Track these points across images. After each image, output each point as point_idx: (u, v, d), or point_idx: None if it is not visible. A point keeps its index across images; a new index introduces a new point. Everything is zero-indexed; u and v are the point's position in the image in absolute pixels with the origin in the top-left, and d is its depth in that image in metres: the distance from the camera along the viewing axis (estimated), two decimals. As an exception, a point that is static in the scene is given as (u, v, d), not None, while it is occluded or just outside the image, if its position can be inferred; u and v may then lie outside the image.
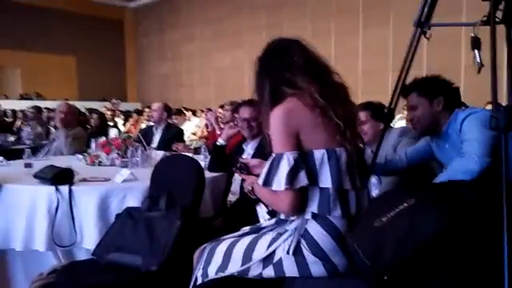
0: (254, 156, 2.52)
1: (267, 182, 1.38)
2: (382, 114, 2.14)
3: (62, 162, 2.76)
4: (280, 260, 1.43)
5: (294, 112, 1.38)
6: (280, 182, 1.34)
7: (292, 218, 1.46)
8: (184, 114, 6.52)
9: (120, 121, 8.16)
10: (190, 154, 3.12)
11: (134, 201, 2.22)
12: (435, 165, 2.16)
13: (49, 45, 13.76)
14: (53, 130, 4.37)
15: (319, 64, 1.47)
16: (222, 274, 1.52)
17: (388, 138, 2.36)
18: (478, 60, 1.42)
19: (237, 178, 2.54)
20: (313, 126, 1.38)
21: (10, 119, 8.45)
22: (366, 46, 9.47)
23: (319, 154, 1.38)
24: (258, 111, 2.60)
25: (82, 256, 2.20)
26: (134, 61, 16.37)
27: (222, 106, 4.77)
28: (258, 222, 1.83)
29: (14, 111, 9.02)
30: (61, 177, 2.24)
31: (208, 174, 2.62)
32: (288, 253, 1.40)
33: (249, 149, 2.60)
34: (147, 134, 4.07)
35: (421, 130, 2.01)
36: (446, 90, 1.90)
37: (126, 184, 2.32)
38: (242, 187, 2.47)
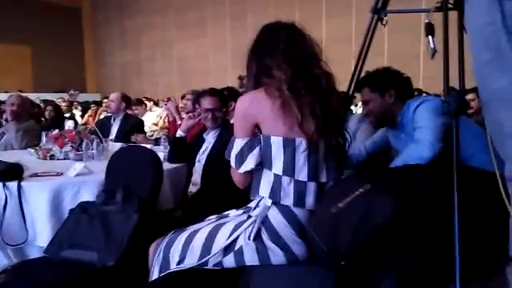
0: (215, 145, 2.48)
1: (228, 156, 1.50)
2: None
3: (12, 156, 2.63)
4: (241, 248, 1.41)
5: (255, 103, 1.41)
6: (232, 161, 1.46)
7: (255, 205, 1.46)
8: (145, 104, 6.34)
9: (78, 112, 7.86)
10: (150, 146, 3.04)
11: (88, 195, 2.13)
12: (394, 152, 2.20)
13: (0, 34, 13.05)
14: (4, 123, 4.16)
15: (302, 52, 1.43)
16: (181, 266, 1.48)
17: (348, 125, 2.38)
18: (432, 46, 1.43)
19: (197, 168, 2.50)
20: (272, 117, 1.38)
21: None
22: (329, 35, 9.55)
23: (276, 141, 1.39)
24: (220, 100, 2.56)
25: (34, 254, 2.09)
26: (93, 50, 15.81)
27: (183, 96, 4.67)
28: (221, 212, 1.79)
29: (-37, 104, 8.51)
30: (8, 173, 2.11)
31: (168, 166, 2.56)
32: (249, 239, 1.39)
33: (209, 138, 2.55)
34: (104, 125, 3.92)
35: (375, 123, 2.06)
36: (396, 81, 1.93)
37: (80, 178, 2.22)
38: (203, 177, 2.43)
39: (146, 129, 5.22)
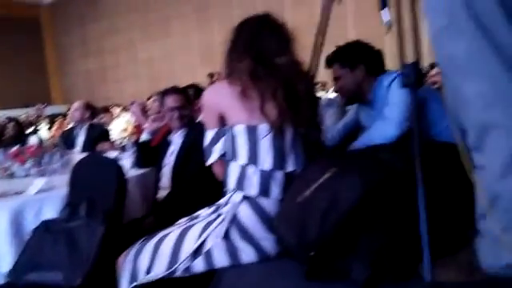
0: (182, 146, 2.41)
1: None
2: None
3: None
4: (210, 249, 1.37)
5: (217, 93, 1.47)
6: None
7: (225, 202, 1.44)
8: (111, 111, 6.18)
9: (45, 126, 7.62)
10: (116, 153, 2.95)
11: (52, 212, 2.02)
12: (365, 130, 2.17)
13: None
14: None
15: (266, 42, 1.43)
16: (149, 277, 1.42)
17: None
18: (388, 18, 1.40)
19: (166, 172, 2.42)
20: (233, 104, 1.39)
21: None
22: (296, 25, 9.52)
23: (239, 130, 1.39)
24: (185, 98, 2.48)
25: (-2, 281, 1.99)
26: (56, 59, 15.33)
27: (149, 98, 4.56)
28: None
29: None
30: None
31: (135, 172, 2.48)
32: (218, 238, 1.36)
33: (176, 139, 2.47)
34: (69, 136, 3.80)
35: (346, 100, 2.02)
36: (366, 56, 1.88)
37: (42, 194, 2.11)
38: (172, 180, 2.36)
39: (116, 136, 5.09)
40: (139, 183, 2.41)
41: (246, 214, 1.37)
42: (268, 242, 1.36)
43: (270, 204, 1.37)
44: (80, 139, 3.76)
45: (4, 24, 13.53)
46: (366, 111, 1.99)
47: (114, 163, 2.03)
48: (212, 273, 1.38)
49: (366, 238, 1.20)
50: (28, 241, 1.87)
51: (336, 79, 1.94)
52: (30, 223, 1.98)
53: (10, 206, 1.99)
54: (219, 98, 1.44)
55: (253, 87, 1.37)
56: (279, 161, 1.38)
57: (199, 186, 2.24)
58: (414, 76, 1.14)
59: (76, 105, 3.90)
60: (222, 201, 1.49)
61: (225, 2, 10.65)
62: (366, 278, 1.11)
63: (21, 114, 8.38)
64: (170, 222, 1.60)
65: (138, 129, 3.46)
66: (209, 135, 1.49)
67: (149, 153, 2.54)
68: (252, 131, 1.37)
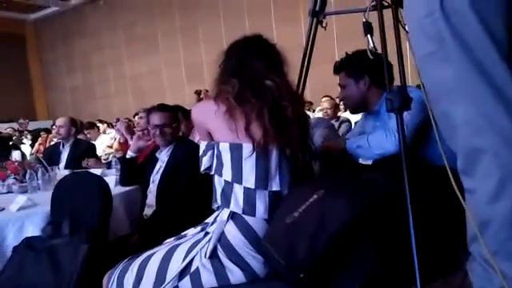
0: (168, 163, 2.39)
1: None
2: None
3: None
4: (197, 269, 1.34)
5: (203, 110, 1.49)
6: None
7: (212, 220, 1.43)
8: (97, 127, 6.11)
9: (28, 141, 7.48)
10: (101, 170, 2.90)
11: (34, 229, 1.99)
12: None
13: None
14: None
15: (255, 64, 1.45)
16: (134, 298, 1.38)
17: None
18: (372, 45, 1.43)
19: (152, 189, 2.39)
20: (218, 122, 1.40)
21: None
22: (281, 44, 9.64)
23: (224, 147, 1.39)
24: (170, 116, 2.47)
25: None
26: (40, 76, 15.18)
27: (136, 114, 4.53)
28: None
29: None
30: None
31: (120, 189, 2.45)
32: (205, 257, 1.34)
33: (162, 156, 2.45)
34: (54, 152, 3.72)
35: (351, 109, 2.02)
36: (372, 67, 1.81)
37: (23, 211, 2.06)
38: (157, 198, 2.33)
39: (101, 152, 5.03)
40: (124, 200, 2.38)
41: (233, 234, 1.35)
42: (256, 262, 1.34)
43: (256, 223, 1.35)
44: (65, 155, 3.68)
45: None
46: (371, 121, 1.96)
47: (99, 179, 1.99)
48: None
49: (356, 260, 1.20)
50: (9, 259, 1.82)
51: (342, 87, 1.93)
52: (12, 241, 1.94)
53: (-10, 223, 1.94)
54: (205, 116, 1.45)
55: (238, 108, 1.37)
56: (263, 180, 1.37)
57: (185, 204, 2.22)
58: (399, 101, 1.15)
59: (61, 120, 3.83)
60: (209, 219, 1.47)
61: (212, 20, 10.76)
62: (357, 299, 1.10)
63: (4, 128, 8.22)
64: (156, 241, 1.57)
65: (124, 146, 3.42)
66: (202, 146, 1.49)
67: (134, 170, 2.51)
68: (236, 149, 1.37)
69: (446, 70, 0.97)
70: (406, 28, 1.19)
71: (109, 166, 3.30)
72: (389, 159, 1.67)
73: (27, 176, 2.51)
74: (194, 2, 11.04)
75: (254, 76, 1.42)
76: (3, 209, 2.12)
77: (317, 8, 1.68)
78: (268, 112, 1.36)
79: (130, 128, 3.54)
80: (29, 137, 7.92)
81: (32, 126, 10.66)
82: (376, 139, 1.71)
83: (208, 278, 1.34)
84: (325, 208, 1.19)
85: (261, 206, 1.36)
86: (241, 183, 1.36)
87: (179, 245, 1.43)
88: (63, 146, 3.77)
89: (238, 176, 1.37)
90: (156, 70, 11.98)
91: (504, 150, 0.96)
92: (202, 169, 1.46)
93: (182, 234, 1.53)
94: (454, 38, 0.93)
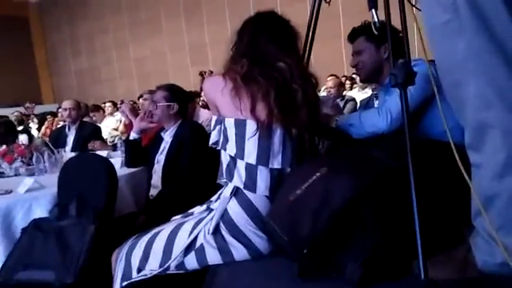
0: (172, 144, 2.39)
1: None
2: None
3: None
4: (201, 246, 1.37)
5: (212, 85, 1.49)
6: None
7: (217, 197, 1.46)
8: (102, 109, 6.13)
9: (34, 125, 7.52)
10: (107, 152, 2.92)
11: (42, 211, 2.01)
12: None
13: None
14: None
15: (267, 42, 1.44)
16: (143, 274, 1.41)
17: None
18: (376, 19, 1.40)
19: (157, 169, 2.41)
20: (224, 98, 1.41)
21: None
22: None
23: (229, 123, 1.41)
24: (171, 94, 2.46)
25: (-12, 281, 1.96)
26: (45, 59, 15.16)
27: (140, 97, 4.52)
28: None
29: None
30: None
31: (126, 170, 2.46)
32: (209, 233, 1.36)
33: (167, 137, 2.45)
34: (60, 135, 3.73)
35: (364, 76, 1.94)
36: (394, 38, 1.83)
37: (31, 194, 2.08)
38: (163, 178, 2.34)
39: (106, 134, 5.05)
40: (130, 182, 2.40)
41: (236, 210, 1.36)
42: (259, 239, 1.35)
43: (257, 200, 1.36)
44: (70, 138, 3.70)
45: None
46: (381, 95, 1.92)
47: (105, 161, 2.01)
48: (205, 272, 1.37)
49: (359, 236, 1.20)
50: (18, 240, 1.85)
51: (357, 53, 1.86)
52: (20, 222, 1.97)
53: (-2, 205, 1.97)
54: (214, 91, 1.46)
55: (244, 88, 1.38)
56: (264, 157, 1.39)
57: (190, 184, 2.24)
58: (403, 76, 1.13)
59: (66, 103, 3.83)
60: (214, 197, 1.50)
61: (216, 2, 10.61)
62: (360, 276, 1.10)
63: (11, 112, 8.27)
64: (162, 220, 1.59)
65: (129, 127, 3.43)
66: (213, 120, 1.50)
67: (139, 151, 2.52)
68: (240, 126, 1.39)
69: (459, 40, 0.95)
70: (412, 1, 1.16)
71: (114, 148, 3.32)
72: (389, 136, 1.66)
73: (34, 159, 2.53)
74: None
75: (265, 57, 1.42)
76: (11, 191, 2.14)
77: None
78: (275, 93, 1.37)
79: (135, 110, 3.54)
80: (35, 120, 7.96)
81: (38, 109, 10.71)
82: (368, 117, 1.70)
83: (212, 254, 1.36)
84: (328, 185, 1.18)
85: (262, 183, 1.37)
86: (243, 159, 1.38)
87: (185, 222, 1.46)
88: (69, 129, 3.78)
89: (240, 152, 1.39)
90: (159, 52, 11.91)
91: None
92: (211, 143, 1.48)
93: (189, 212, 1.56)
94: (469, 7, 0.91)
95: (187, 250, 1.38)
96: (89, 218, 1.78)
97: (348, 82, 5.92)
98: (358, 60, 1.87)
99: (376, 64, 1.83)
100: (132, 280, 1.43)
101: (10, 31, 14.00)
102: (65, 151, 3.22)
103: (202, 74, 10.89)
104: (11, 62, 13.99)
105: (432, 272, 1.02)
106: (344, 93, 5.19)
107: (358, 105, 4.11)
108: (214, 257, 1.36)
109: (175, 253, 1.38)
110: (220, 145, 1.45)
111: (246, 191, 1.37)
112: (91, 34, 13.48)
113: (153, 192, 2.36)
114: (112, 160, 2.47)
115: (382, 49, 1.81)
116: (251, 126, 1.38)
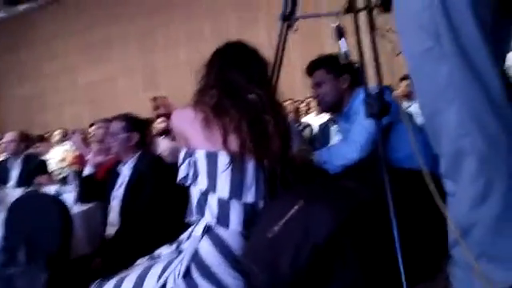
0: (131, 177, 2.26)
1: None
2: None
3: None
4: None
5: (181, 117, 1.46)
6: None
7: (187, 236, 1.38)
8: (47, 139, 5.75)
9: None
10: (56, 186, 2.72)
11: (-16, 258, 1.80)
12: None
13: None
14: None
15: (236, 73, 1.42)
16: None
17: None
18: (345, 48, 1.40)
19: (114, 206, 2.25)
20: (195, 130, 1.38)
21: None
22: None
23: (200, 154, 1.37)
24: (128, 125, 2.34)
25: None
26: (-15, 87, 14.31)
27: (92, 125, 4.31)
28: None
29: None
30: None
31: (79, 207, 2.29)
32: (179, 277, 1.27)
33: (125, 170, 2.31)
34: (2, 169, 3.48)
35: (325, 107, 1.97)
36: (351, 68, 1.82)
37: (-28, 238, 1.88)
38: (122, 215, 2.19)
39: (54, 166, 4.74)
40: (83, 219, 2.23)
41: (208, 250, 1.29)
42: (234, 280, 1.28)
43: (230, 236, 1.31)
44: (14, 172, 3.46)
45: None
46: (341, 123, 1.97)
47: (57, 200, 1.85)
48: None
49: (339, 270, 1.17)
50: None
51: (318, 85, 1.89)
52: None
53: None
54: (182, 122, 1.43)
55: (215, 119, 1.35)
56: (237, 190, 1.34)
57: (151, 221, 2.11)
58: (377, 106, 1.12)
59: (10, 136, 3.59)
60: (183, 236, 1.41)
61: (169, 23, 10.57)
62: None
63: None
64: (122, 262, 1.47)
65: (79, 159, 3.24)
66: (181, 154, 1.45)
67: (93, 186, 2.36)
68: (212, 157, 1.35)
69: (441, 66, 0.95)
70: (387, 31, 1.17)
71: (63, 181, 3.11)
72: (356, 166, 1.67)
73: (-26, 198, 2.30)
74: (150, 7, 10.79)
75: (235, 89, 1.39)
76: None
77: (287, 12, 1.65)
78: (247, 125, 1.34)
79: (86, 140, 3.36)
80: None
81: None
82: (338, 151, 1.74)
83: None
84: (307, 219, 1.16)
85: (235, 218, 1.32)
86: (215, 192, 1.34)
87: (153, 265, 1.36)
88: (12, 164, 3.52)
89: (212, 185, 1.34)
90: (111, 77, 11.61)
91: (490, 153, 0.95)
92: (179, 179, 1.41)
93: (155, 253, 1.46)
94: (450, 35, 0.92)
95: None
96: (40, 264, 1.62)
97: (303, 106, 6.01)
98: (318, 92, 1.91)
99: (337, 95, 1.87)
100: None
101: None
102: (6, 187, 2.99)
103: (154, 99, 10.73)
104: None
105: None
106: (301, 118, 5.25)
107: (316, 130, 4.19)
108: None
109: None
110: (189, 179, 1.39)
111: (218, 228, 1.30)
112: (38, 59, 12.90)
113: (110, 231, 2.19)
114: (63, 196, 2.30)
115: (341, 79, 1.85)
116: (223, 158, 1.34)
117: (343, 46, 1.37)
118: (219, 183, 1.34)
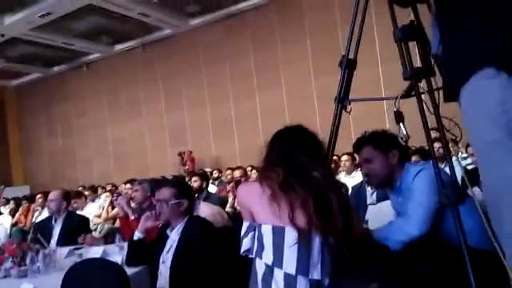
0: (180, 243, 2.29)
1: None
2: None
3: None
4: None
5: (247, 191, 1.55)
6: None
7: None
8: (84, 196, 5.90)
9: (6, 210, 7.09)
10: (102, 248, 2.76)
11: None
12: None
13: None
14: None
15: (299, 154, 1.48)
16: None
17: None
18: (404, 133, 1.47)
19: (163, 271, 2.27)
20: (261, 205, 1.43)
21: None
22: (263, 108, 9.91)
23: (266, 229, 1.40)
24: (177, 191, 2.41)
25: None
26: (19, 140, 14.83)
27: (126, 182, 4.41)
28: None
29: None
30: None
31: (129, 270, 2.31)
32: None
33: (173, 234, 2.35)
34: (45, 227, 3.52)
35: (377, 183, 1.99)
36: (398, 143, 1.85)
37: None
38: (171, 281, 2.20)
39: (90, 224, 4.81)
40: (134, 284, 2.23)
41: None
42: None
43: None
44: (56, 231, 3.50)
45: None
46: (393, 198, 1.97)
47: (117, 267, 1.88)
48: None
49: None
50: None
51: (366, 161, 1.91)
52: None
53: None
54: (249, 197, 1.49)
55: (282, 195, 1.40)
56: (304, 266, 1.35)
57: (200, 285, 2.11)
58: (455, 195, 1.15)
59: (53, 195, 3.67)
60: None
61: (195, 82, 10.96)
62: None
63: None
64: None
65: (125, 220, 3.29)
66: (244, 226, 1.50)
67: (142, 250, 2.40)
68: (279, 233, 1.38)
69: (509, 160, 0.99)
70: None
71: (106, 240, 3.14)
72: (417, 243, 1.66)
73: (27, 259, 2.35)
74: (177, 69, 11.29)
75: (299, 166, 1.45)
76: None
77: (341, 95, 1.74)
78: (313, 201, 1.38)
79: (129, 202, 3.44)
80: (9, 205, 7.50)
81: (8, 191, 10.23)
82: (398, 228, 1.73)
83: None
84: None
85: None
86: (281, 268, 1.35)
87: None
88: (55, 221, 3.59)
89: (278, 260, 1.36)
90: (138, 134, 11.94)
91: None
92: (242, 250, 1.46)
93: None
94: None
95: None
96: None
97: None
98: (368, 168, 1.93)
99: (386, 170, 1.89)
100: None
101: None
102: (49, 245, 3.02)
103: (180, 155, 10.90)
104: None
105: None
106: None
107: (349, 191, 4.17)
108: None
109: None
110: (254, 252, 1.42)
111: None
112: (68, 115, 13.46)
113: (161, 296, 2.21)
114: (111, 258, 2.33)
115: (390, 155, 1.88)
116: (290, 234, 1.37)
117: (403, 130, 1.44)
118: (285, 259, 1.35)
